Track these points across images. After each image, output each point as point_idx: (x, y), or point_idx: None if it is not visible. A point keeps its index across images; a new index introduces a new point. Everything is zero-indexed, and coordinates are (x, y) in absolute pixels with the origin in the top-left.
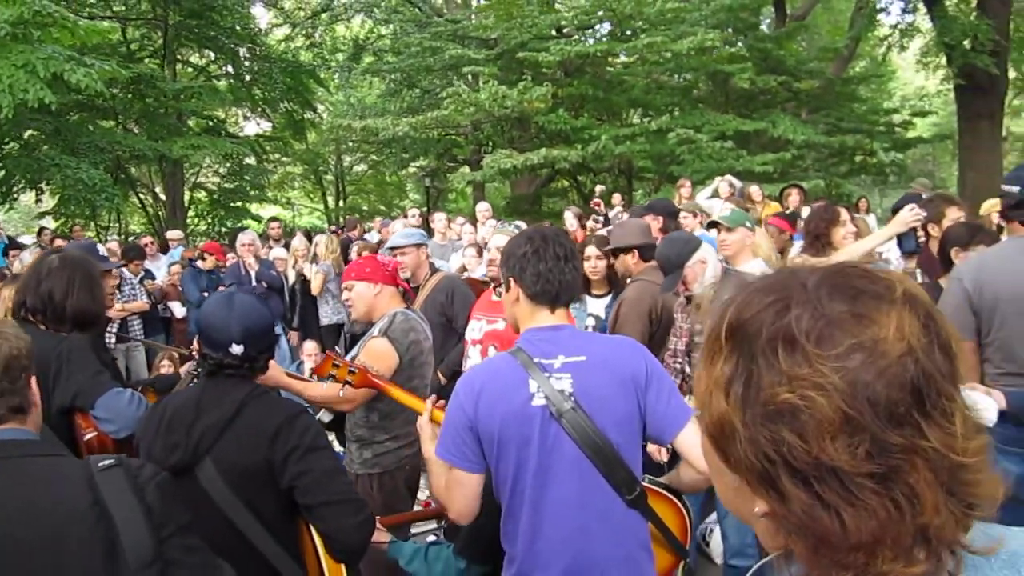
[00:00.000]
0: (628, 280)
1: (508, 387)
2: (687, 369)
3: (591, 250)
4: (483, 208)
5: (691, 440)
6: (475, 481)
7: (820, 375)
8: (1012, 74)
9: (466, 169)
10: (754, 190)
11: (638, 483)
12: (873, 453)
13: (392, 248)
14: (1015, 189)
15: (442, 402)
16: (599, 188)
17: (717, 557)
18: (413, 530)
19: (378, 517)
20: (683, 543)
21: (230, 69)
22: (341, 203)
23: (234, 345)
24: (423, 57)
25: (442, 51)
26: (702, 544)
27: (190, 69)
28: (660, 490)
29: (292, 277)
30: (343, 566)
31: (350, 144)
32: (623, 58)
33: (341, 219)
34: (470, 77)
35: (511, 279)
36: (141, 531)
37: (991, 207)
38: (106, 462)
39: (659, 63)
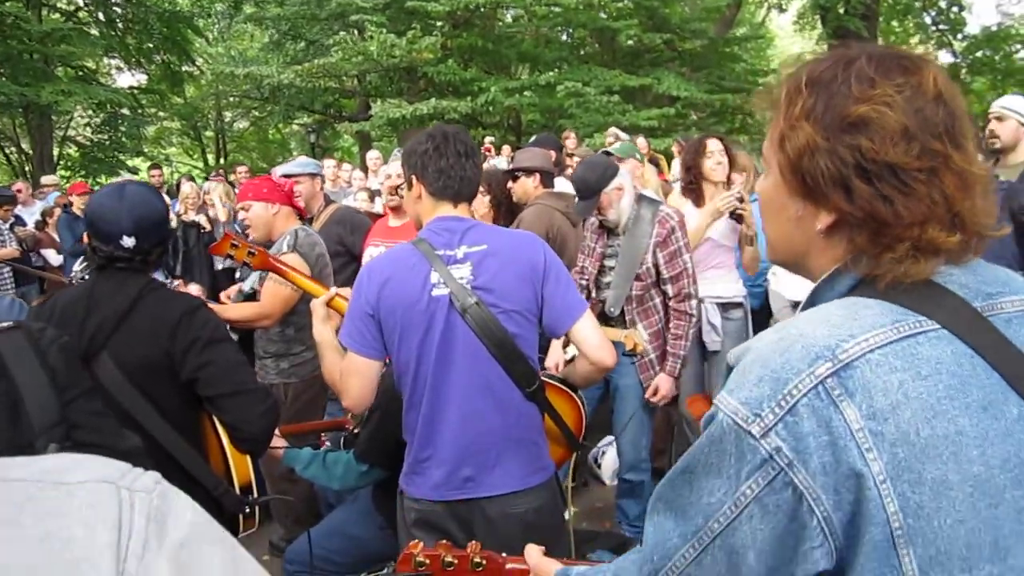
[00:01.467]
0: (527, 204)
1: (410, 277)
2: (593, 292)
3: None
4: (374, 156)
5: (586, 331)
6: (373, 368)
7: (887, 95)
8: (881, 43)
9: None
10: (640, 142)
11: (537, 376)
12: (922, 155)
13: (285, 176)
14: None
15: (346, 290)
16: (488, 139)
17: (608, 479)
18: None
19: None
20: (577, 436)
21: (101, 17)
22: (222, 160)
23: (125, 237)
24: (308, 6)
25: None
26: (593, 466)
27: (57, 16)
28: (557, 384)
29: (173, 223)
30: (248, 458)
31: (231, 99)
32: (512, 11)
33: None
34: (356, 32)
35: (413, 176)
36: (45, 393)
37: None
38: (5, 324)
39: (547, 18)
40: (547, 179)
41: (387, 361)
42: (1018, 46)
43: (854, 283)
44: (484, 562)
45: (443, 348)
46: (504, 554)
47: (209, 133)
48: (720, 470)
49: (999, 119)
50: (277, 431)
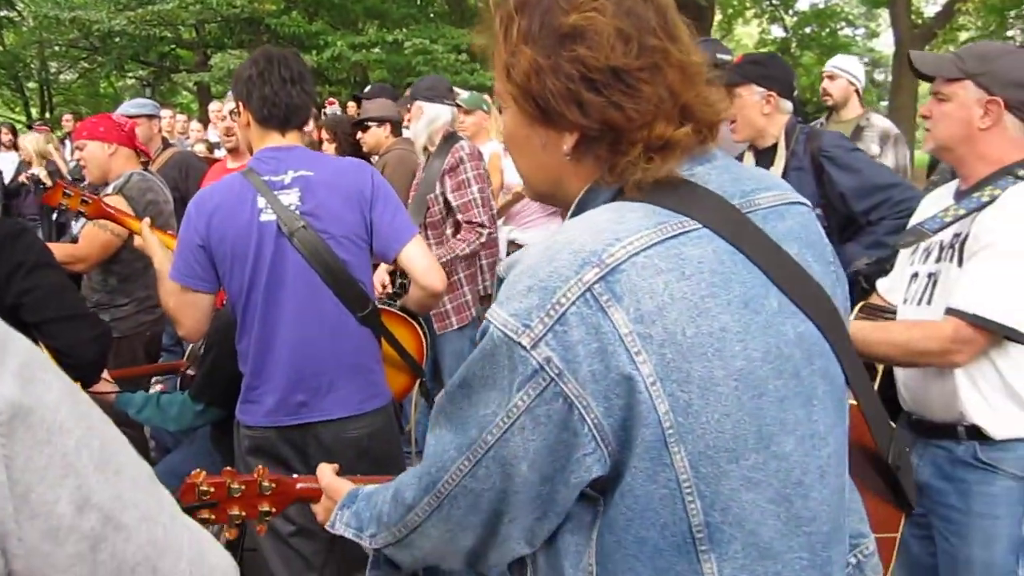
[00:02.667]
0: (379, 152)
1: (238, 205)
2: None
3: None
4: (216, 108)
5: (415, 255)
6: (207, 300)
7: (595, 2)
8: (719, 17)
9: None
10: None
11: (370, 300)
12: (642, 54)
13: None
14: (727, 57)
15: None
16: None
17: None
18: None
19: (107, 370)
20: (419, 362)
21: None
22: (47, 115)
23: None
24: None
25: None
26: None
27: None
28: (394, 310)
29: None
30: (79, 384)
31: (57, 48)
32: None
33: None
34: None
35: (240, 103)
36: None
37: None
38: None
39: None
40: (396, 128)
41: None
42: (843, 23)
43: (614, 193)
44: (273, 485)
45: (273, 274)
46: (295, 475)
47: (32, 84)
48: (494, 382)
49: (831, 78)
50: (108, 375)
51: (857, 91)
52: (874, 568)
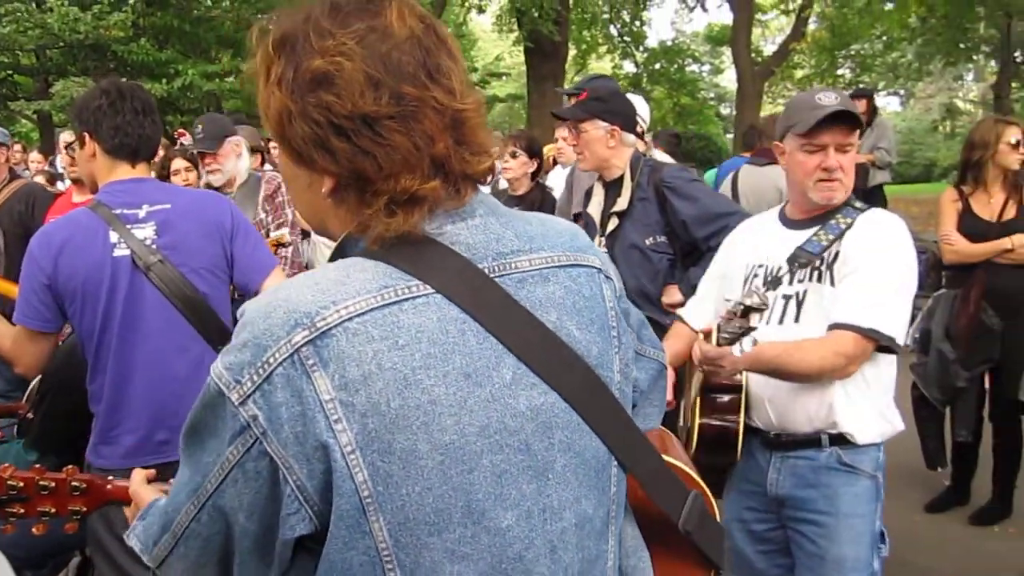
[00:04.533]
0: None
1: (88, 240)
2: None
3: (180, 163)
4: (68, 136)
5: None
6: (51, 340)
7: (344, 45)
8: (573, 51)
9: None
10: None
11: (231, 334)
12: (394, 102)
13: None
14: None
15: None
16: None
17: None
18: None
19: None
20: None
21: None
22: None
23: None
24: None
25: None
26: None
27: None
28: None
29: None
30: None
31: None
32: None
33: None
34: (33, 3)
35: (86, 134)
36: None
37: (550, 150)
38: None
39: (249, 3)
40: (264, 156)
41: (60, 340)
42: (689, 60)
43: (361, 251)
44: (84, 485)
45: (128, 310)
46: (111, 476)
47: None
48: (214, 430)
49: None
50: None
51: (642, 131)
52: None
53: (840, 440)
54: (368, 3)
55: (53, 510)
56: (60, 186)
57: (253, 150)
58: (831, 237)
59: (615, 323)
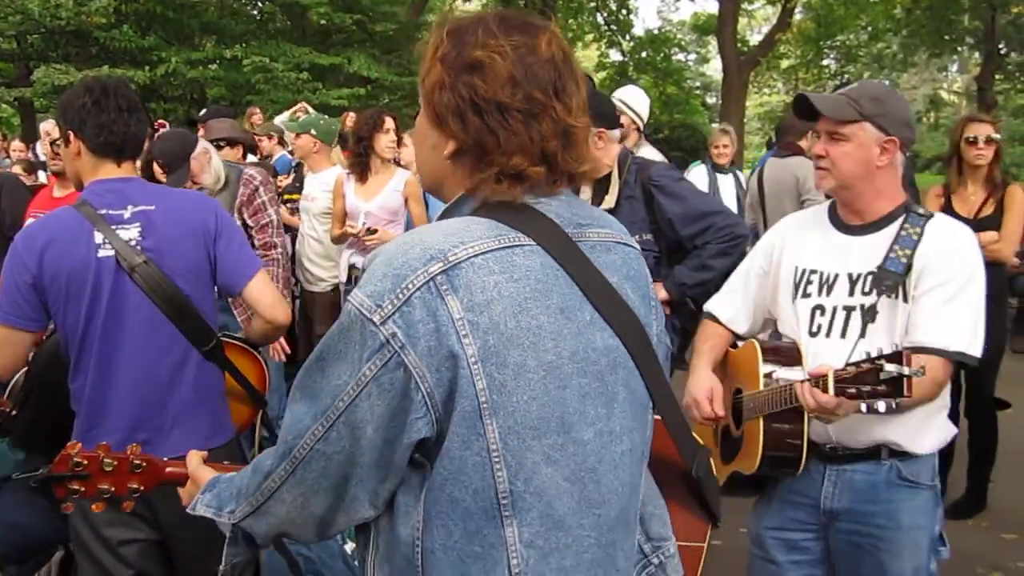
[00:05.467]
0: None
1: (73, 240)
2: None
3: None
4: (48, 126)
5: (259, 289)
6: (32, 339)
7: (501, 47)
8: None
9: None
10: (349, 116)
11: (214, 335)
12: (524, 100)
13: None
14: None
15: None
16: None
17: None
18: None
19: None
20: (262, 393)
21: None
22: None
23: None
24: None
25: None
26: None
27: None
28: (236, 342)
29: None
30: None
31: None
32: None
33: None
34: None
35: (70, 132)
36: None
37: None
38: None
39: None
40: (248, 150)
41: (43, 337)
42: (675, 49)
43: (474, 208)
44: (143, 464)
45: (112, 311)
46: (166, 458)
47: None
48: (346, 355)
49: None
50: None
51: (637, 126)
52: (675, 568)
53: (898, 453)
54: (528, 24)
55: (112, 488)
56: (41, 176)
57: (232, 143)
58: (908, 252)
59: (653, 297)
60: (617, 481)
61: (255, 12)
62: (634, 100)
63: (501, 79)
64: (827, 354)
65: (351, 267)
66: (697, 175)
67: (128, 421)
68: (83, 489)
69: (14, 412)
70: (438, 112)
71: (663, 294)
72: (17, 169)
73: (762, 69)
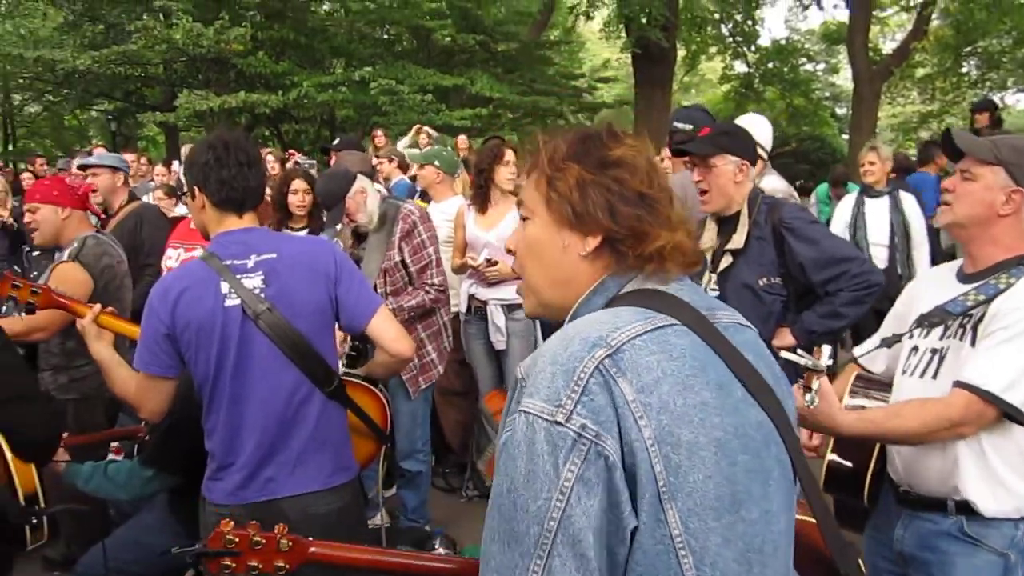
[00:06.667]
0: None
1: (202, 291)
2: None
3: (299, 183)
4: (188, 150)
5: (382, 326)
6: (173, 385)
7: (635, 147)
8: (682, 52)
9: (157, 113)
10: (461, 140)
11: (336, 376)
12: (660, 189)
13: (82, 168)
14: (688, 127)
15: (111, 308)
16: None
17: None
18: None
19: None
20: (383, 429)
21: None
22: (10, 147)
23: None
24: None
25: None
26: None
27: None
28: (358, 381)
29: None
30: (33, 467)
31: (21, 80)
32: (326, 5)
33: (11, 164)
34: (162, 15)
35: (196, 187)
36: None
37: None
38: None
39: (362, 13)
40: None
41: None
42: (803, 59)
43: (607, 301)
44: (291, 544)
45: (240, 357)
46: (310, 538)
47: None
48: (538, 473)
49: None
50: (62, 442)
51: (761, 156)
52: None
53: (966, 508)
54: (631, 135)
55: (260, 566)
56: (179, 210)
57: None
58: (981, 298)
59: (781, 375)
60: (778, 562)
61: (382, 35)
62: (757, 129)
63: (641, 171)
64: (908, 393)
65: (471, 297)
66: (845, 204)
67: (256, 459)
68: (234, 565)
69: (147, 437)
70: (578, 210)
71: (790, 340)
72: (159, 192)
73: (895, 79)
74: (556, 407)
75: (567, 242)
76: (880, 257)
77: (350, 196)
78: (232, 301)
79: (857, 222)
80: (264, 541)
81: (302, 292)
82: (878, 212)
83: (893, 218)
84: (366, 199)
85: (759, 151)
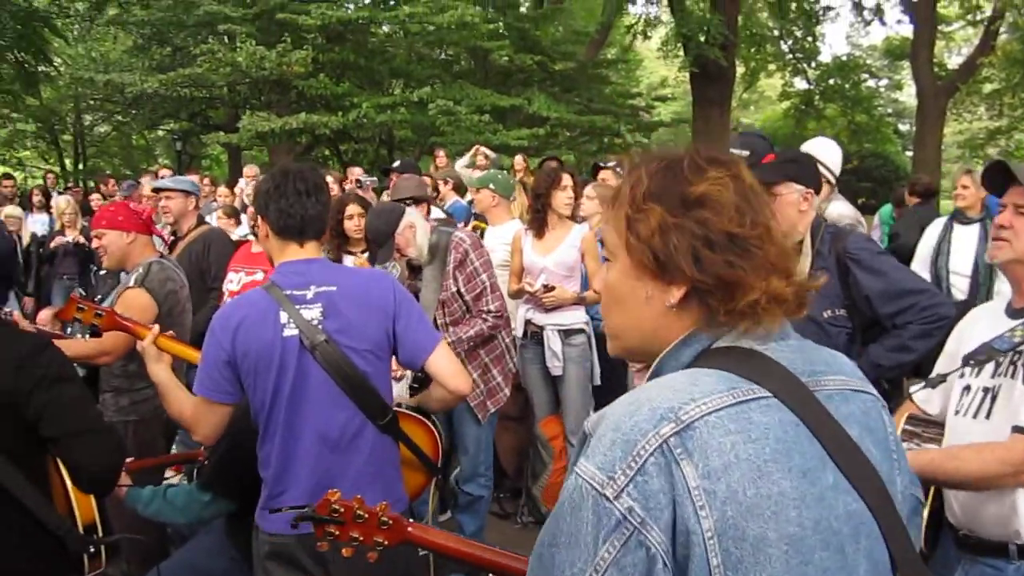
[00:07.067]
0: None
1: (261, 320)
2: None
3: (353, 208)
4: (249, 170)
5: (441, 362)
6: (227, 410)
7: (720, 178)
8: (741, 69)
9: (221, 133)
10: (517, 160)
11: (390, 409)
12: (752, 226)
13: (157, 190)
14: (745, 153)
15: (170, 332)
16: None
17: None
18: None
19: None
20: (435, 461)
21: None
22: (81, 166)
23: None
24: (175, 11)
25: (196, 6)
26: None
27: None
28: (411, 413)
29: (27, 238)
30: (93, 498)
31: (92, 102)
32: (385, 28)
33: (81, 182)
34: (227, 39)
35: (259, 216)
36: None
37: None
38: None
39: (421, 35)
40: (428, 208)
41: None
42: (865, 75)
43: (695, 355)
44: (390, 521)
45: (296, 387)
46: (410, 519)
47: (67, 136)
48: (579, 538)
49: None
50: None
51: (828, 180)
52: None
53: None
54: (723, 157)
55: (361, 538)
56: (241, 230)
57: (417, 201)
58: None
59: (895, 448)
60: None
61: (440, 56)
62: (825, 154)
63: (728, 209)
64: (961, 434)
65: (527, 322)
66: (933, 228)
67: (309, 491)
68: (337, 533)
69: (206, 461)
70: (661, 257)
71: None
72: (220, 213)
73: (961, 95)
74: (608, 478)
75: (650, 292)
76: (960, 287)
77: (399, 232)
78: (291, 331)
79: (941, 247)
80: (367, 516)
81: (360, 326)
82: (966, 240)
83: (980, 248)
84: (415, 233)
85: (827, 175)
